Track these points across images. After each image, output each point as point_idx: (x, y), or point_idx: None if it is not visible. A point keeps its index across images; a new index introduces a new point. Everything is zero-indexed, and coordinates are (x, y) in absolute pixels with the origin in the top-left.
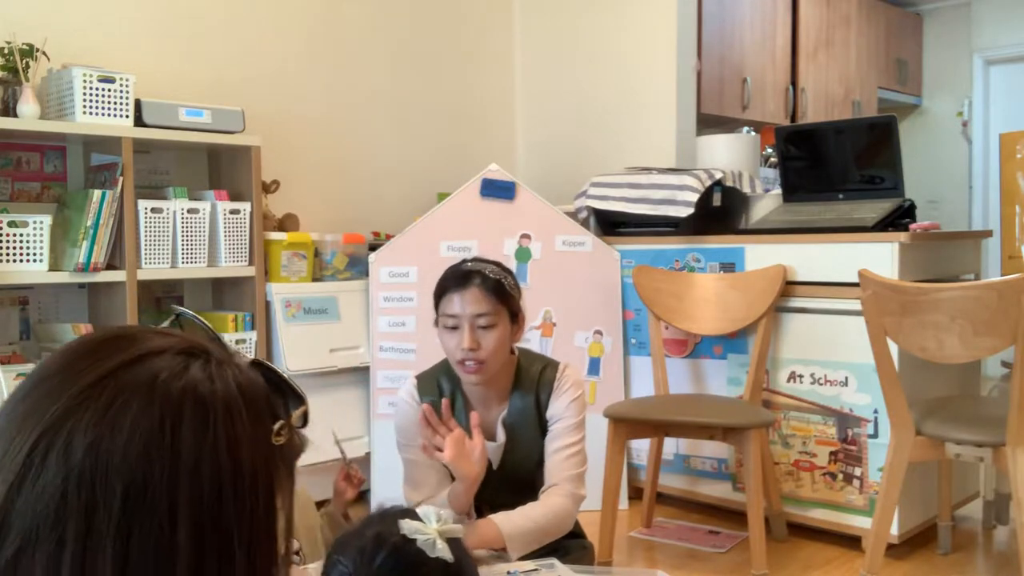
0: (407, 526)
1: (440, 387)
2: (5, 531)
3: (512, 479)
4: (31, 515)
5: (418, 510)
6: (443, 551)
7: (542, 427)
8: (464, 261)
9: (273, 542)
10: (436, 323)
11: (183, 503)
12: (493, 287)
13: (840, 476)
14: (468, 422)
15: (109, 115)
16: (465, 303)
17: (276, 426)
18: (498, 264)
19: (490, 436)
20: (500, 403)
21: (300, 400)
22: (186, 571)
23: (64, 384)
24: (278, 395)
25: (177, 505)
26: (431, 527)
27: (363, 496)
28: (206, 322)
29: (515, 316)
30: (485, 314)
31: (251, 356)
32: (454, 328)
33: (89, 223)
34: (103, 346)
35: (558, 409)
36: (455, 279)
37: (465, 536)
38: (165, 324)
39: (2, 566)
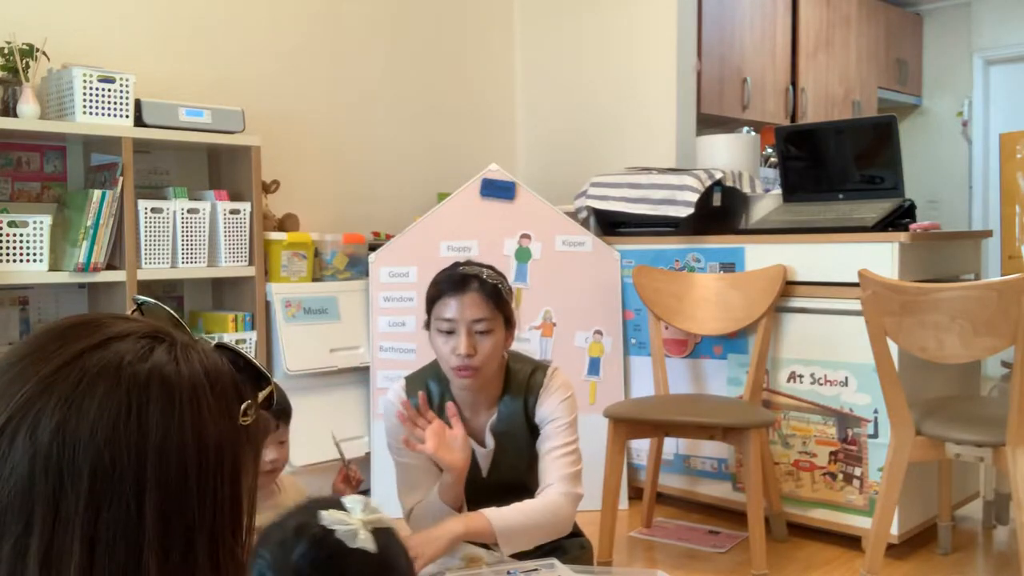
0: (327, 517)
1: (429, 390)
2: None
3: (502, 485)
4: (1, 500)
5: (345, 499)
6: (365, 541)
7: (531, 432)
8: (457, 264)
9: (239, 520)
10: (427, 326)
11: (150, 484)
12: (491, 292)
13: (840, 476)
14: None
15: (109, 115)
16: (463, 307)
17: (243, 406)
18: (492, 268)
19: (479, 442)
20: (489, 408)
21: (266, 381)
22: (154, 550)
23: (30, 369)
24: (245, 377)
25: (144, 486)
26: (354, 517)
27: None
28: (168, 309)
29: (509, 322)
30: (483, 319)
31: (215, 341)
32: (449, 332)
33: (89, 223)
34: (69, 332)
35: (547, 411)
36: (452, 283)
37: (455, 527)
38: (129, 312)
39: None
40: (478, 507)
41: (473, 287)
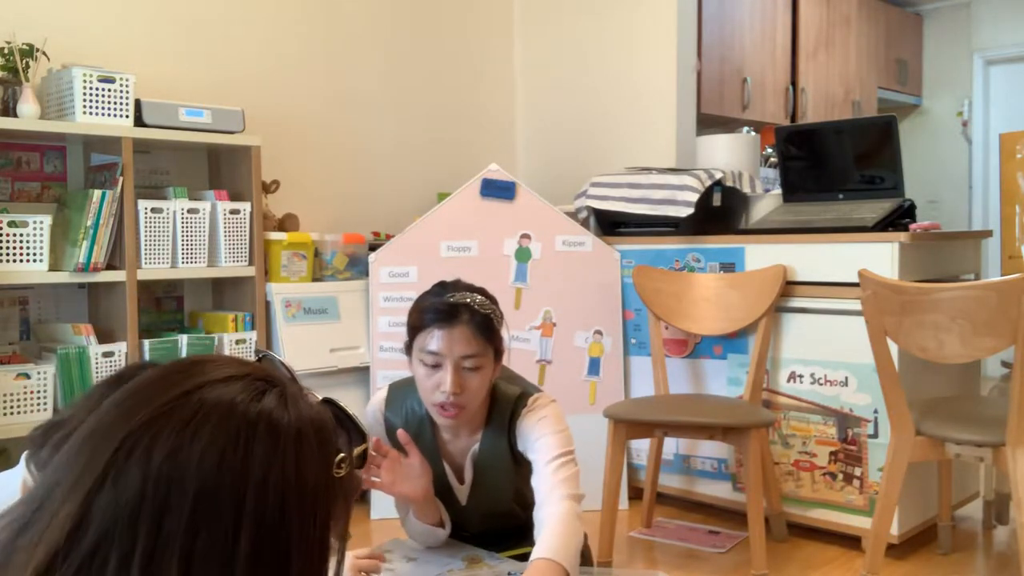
0: None
1: (407, 411)
2: (86, 525)
3: (483, 512)
4: (111, 511)
5: None
6: None
7: (515, 460)
8: (445, 288)
9: (324, 564)
10: (407, 351)
11: (248, 515)
12: (482, 324)
13: (840, 476)
14: (439, 451)
15: (109, 115)
16: (452, 342)
17: (337, 459)
18: (483, 292)
19: (457, 470)
20: (472, 434)
21: (362, 438)
22: None
23: (152, 395)
24: (342, 431)
25: (242, 516)
26: None
27: (364, 497)
28: (285, 362)
29: (499, 353)
30: (472, 356)
31: (321, 396)
32: (434, 366)
33: (89, 223)
34: (193, 366)
35: (528, 437)
36: (439, 313)
37: None
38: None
39: (80, 559)
40: (459, 529)
41: (463, 319)
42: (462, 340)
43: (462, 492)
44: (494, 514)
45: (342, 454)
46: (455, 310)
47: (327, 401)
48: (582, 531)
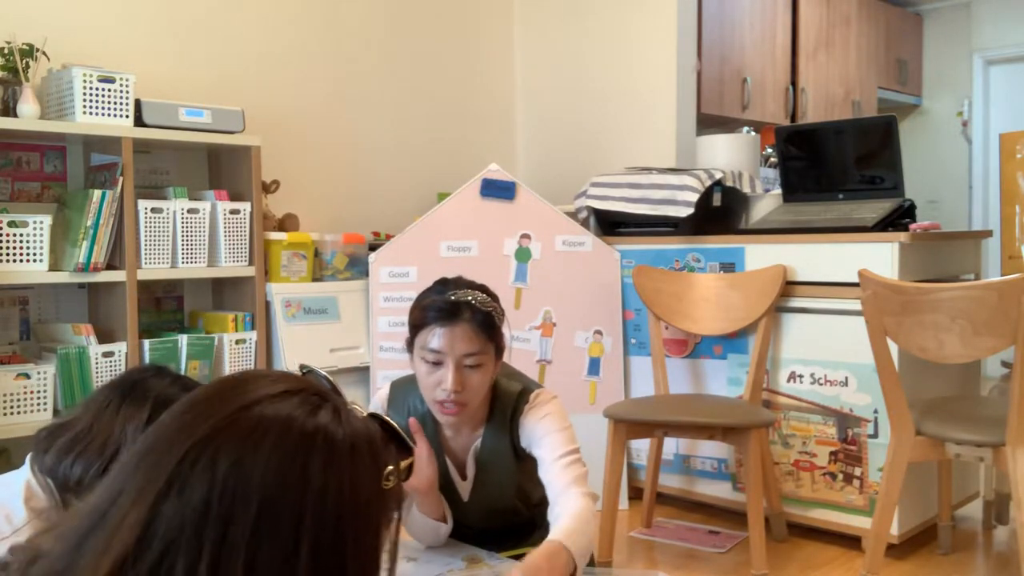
0: None
1: (409, 408)
2: (152, 533)
3: (485, 508)
4: (178, 520)
5: None
6: None
7: (517, 457)
8: (446, 285)
9: (376, 574)
10: (409, 348)
11: (307, 525)
12: (483, 322)
13: (840, 476)
14: (441, 447)
15: (109, 115)
16: (454, 341)
17: (386, 471)
18: (483, 289)
19: (459, 466)
20: (473, 430)
21: (408, 451)
22: None
23: (212, 409)
24: (391, 446)
25: (302, 526)
26: None
27: None
28: (328, 377)
29: (500, 350)
30: (474, 354)
31: (365, 411)
32: (436, 364)
33: (89, 223)
34: (246, 381)
35: (532, 434)
36: (441, 312)
37: (537, 564)
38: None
39: (148, 565)
40: (461, 526)
41: (465, 317)
42: (463, 338)
43: (464, 488)
44: (496, 510)
45: (390, 467)
46: (456, 308)
47: (373, 416)
48: (596, 530)
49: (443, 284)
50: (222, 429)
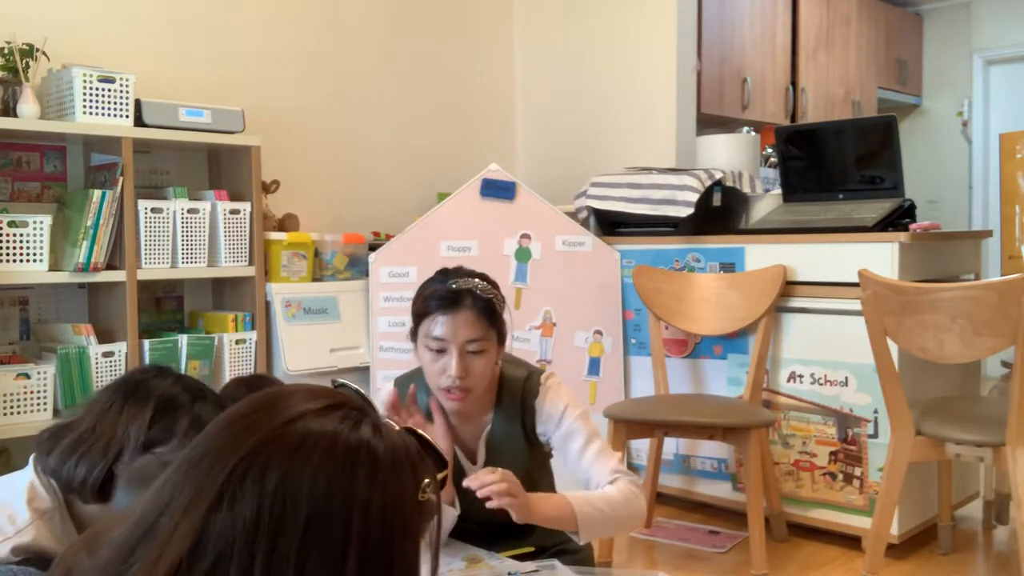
0: None
1: (417, 398)
2: (203, 546)
3: None
4: (229, 531)
5: None
6: None
7: (529, 444)
8: (447, 275)
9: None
10: (413, 337)
11: (354, 536)
12: (485, 308)
13: (840, 476)
14: (449, 434)
15: (109, 115)
16: (456, 327)
17: (424, 483)
18: (484, 277)
19: (470, 454)
20: (481, 416)
21: (443, 464)
22: None
23: (257, 423)
24: (426, 459)
25: (349, 537)
26: None
27: None
28: (362, 391)
29: (502, 336)
30: (476, 340)
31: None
32: (439, 351)
33: (89, 223)
34: (289, 396)
35: (551, 420)
36: (442, 300)
37: (532, 508)
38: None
39: (201, 575)
40: (464, 521)
41: (466, 304)
42: (466, 325)
43: (474, 473)
44: None
45: (427, 479)
46: (458, 296)
47: (407, 430)
48: (635, 520)
49: (444, 274)
50: (268, 443)
